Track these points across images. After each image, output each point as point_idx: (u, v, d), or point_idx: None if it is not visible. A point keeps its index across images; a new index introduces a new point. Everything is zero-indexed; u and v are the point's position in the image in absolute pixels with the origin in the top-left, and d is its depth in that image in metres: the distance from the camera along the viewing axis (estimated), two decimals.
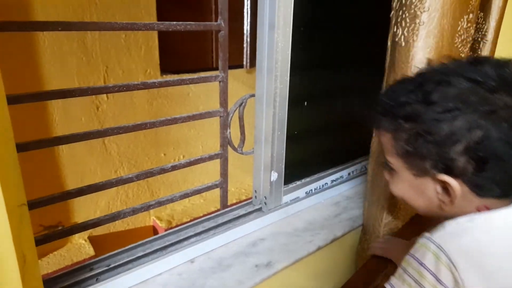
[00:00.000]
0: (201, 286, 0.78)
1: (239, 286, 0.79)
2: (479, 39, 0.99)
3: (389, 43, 0.85)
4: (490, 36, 1.00)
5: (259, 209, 1.01)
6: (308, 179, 1.10)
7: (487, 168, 0.49)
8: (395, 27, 0.82)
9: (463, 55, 0.87)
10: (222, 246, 0.90)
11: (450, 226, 0.53)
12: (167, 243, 0.85)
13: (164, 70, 1.96)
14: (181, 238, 0.87)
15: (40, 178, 1.60)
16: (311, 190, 1.10)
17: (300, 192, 1.08)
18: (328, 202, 1.11)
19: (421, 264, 0.52)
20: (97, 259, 0.79)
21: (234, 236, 0.93)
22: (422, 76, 0.54)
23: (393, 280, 0.56)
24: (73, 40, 1.66)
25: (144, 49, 1.87)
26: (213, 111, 0.93)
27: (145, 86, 0.79)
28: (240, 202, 1.05)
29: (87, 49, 1.71)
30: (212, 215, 0.96)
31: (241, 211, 0.99)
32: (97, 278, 0.76)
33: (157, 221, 2.12)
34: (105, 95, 1.80)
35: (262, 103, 0.92)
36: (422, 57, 0.79)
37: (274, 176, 0.97)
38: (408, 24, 0.79)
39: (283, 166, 0.99)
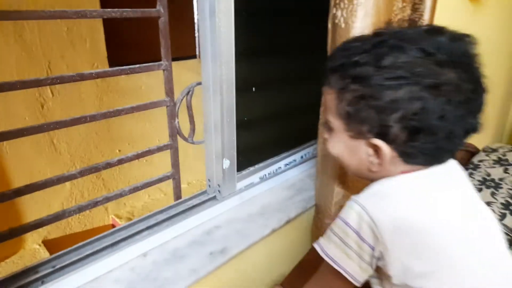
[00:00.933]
0: (155, 279, 0.77)
1: (193, 275, 0.78)
2: (416, 19, 1.02)
3: (329, 25, 0.86)
4: (427, 16, 1.03)
5: (213, 198, 1.00)
6: (261, 165, 1.10)
7: (418, 139, 0.51)
8: (335, 8, 0.83)
9: None
10: (177, 237, 0.89)
11: (374, 188, 0.56)
12: (118, 239, 0.83)
13: (113, 63, 1.89)
14: (133, 232, 0.85)
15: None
16: (265, 175, 1.11)
17: (254, 178, 1.08)
18: (282, 185, 1.13)
19: (346, 223, 0.54)
20: (41, 261, 0.76)
21: (189, 226, 0.92)
22: (378, 36, 0.53)
23: (321, 240, 0.59)
24: (9, 35, 1.56)
25: (89, 42, 1.79)
26: (158, 101, 0.90)
27: (81, 77, 0.76)
28: None
29: (26, 44, 1.61)
30: (165, 207, 0.95)
31: (195, 201, 0.98)
32: (42, 280, 0.73)
33: (116, 219, 2.06)
34: (50, 91, 1.71)
35: (208, 90, 0.90)
36: None
37: (226, 163, 0.97)
38: (346, 6, 0.81)
39: (235, 153, 0.98)
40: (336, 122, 0.57)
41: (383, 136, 0.52)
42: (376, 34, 0.55)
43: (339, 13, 0.82)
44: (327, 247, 0.57)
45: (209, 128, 0.94)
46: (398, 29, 0.55)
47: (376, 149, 0.54)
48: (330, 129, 0.59)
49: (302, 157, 1.23)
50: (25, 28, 1.60)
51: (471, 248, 0.54)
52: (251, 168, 1.07)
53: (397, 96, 0.49)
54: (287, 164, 1.18)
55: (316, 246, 0.59)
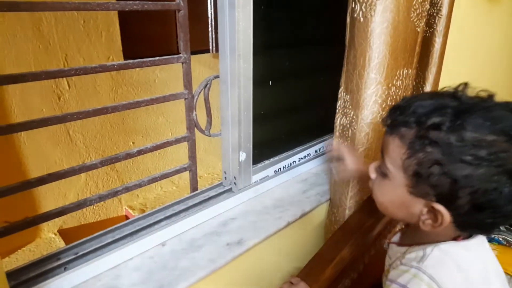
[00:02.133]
0: (173, 268, 0.79)
1: (211, 265, 0.80)
2: (434, 14, 1.02)
3: (348, 20, 0.86)
4: (444, 10, 1.03)
5: (229, 190, 1.01)
6: (276, 158, 1.11)
7: (482, 214, 0.52)
8: (353, 3, 0.83)
9: (419, 30, 0.89)
10: (193, 228, 0.91)
11: (435, 255, 0.56)
12: (137, 228, 0.85)
13: (127, 56, 1.91)
14: (152, 222, 0.87)
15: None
16: (280, 168, 1.12)
17: (269, 171, 1.09)
18: (296, 179, 1.14)
19: None
20: (64, 248, 0.78)
21: (205, 217, 0.93)
22: (458, 100, 0.52)
23: None
24: (27, 28, 1.59)
25: (105, 35, 1.81)
26: (177, 94, 0.91)
27: (103, 68, 0.77)
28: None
29: (43, 37, 1.64)
30: (182, 198, 0.96)
31: (212, 193, 1.00)
32: (65, 267, 0.75)
33: (130, 210, 2.09)
34: (66, 83, 1.73)
35: (226, 84, 0.91)
36: (380, 32, 0.81)
37: (242, 156, 0.98)
38: (366, 0, 0.81)
39: (251, 146, 0.99)
40: (396, 174, 0.55)
41: (447, 203, 0.52)
42: (456, 96, 0.53)
43: (357, 7, 0.82)
44: None
45: (226, 121, 0.95)
46: (481, 100, 0.53)
47: (435, 213, 0.54)
48: (383, 174, 0.58)
49: (316, 151, 1.23)
50: (43, 20, 1.62)
51: None
52: (267, 162, 1.08)
53: (475, 173, 0.48)
54: (302, 159, 1.19)
55: None
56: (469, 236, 0.57)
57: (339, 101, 0.93)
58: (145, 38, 2.06)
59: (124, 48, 1.89)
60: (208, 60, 2.19)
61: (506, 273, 1.09)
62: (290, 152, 1.16)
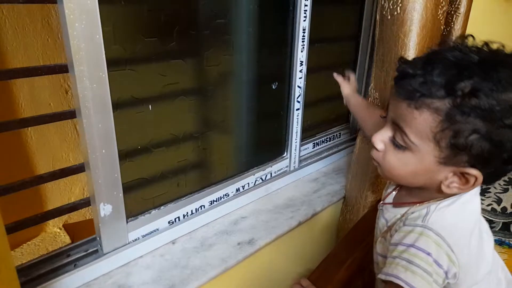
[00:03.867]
0: (185, 266, 0.78)
1: (223, 264, 0.78)
2: (452, 12, 1.00)
3: (378, 17, 0.86)
4: (462, 9, 1.01)
5: (95, 252, 0.78)
6: (171, 205, 0.85)
7: (509, 165, 0.51)
8: (383, 0, 0.82)
9: (442, 27, 0.88)
10: (204, 226, 0.90)
11: (439, 212, 0.55)
12: (74, 258, 0.75)
13: None
14: (90, 250, 0.77)
15: (6, 167, 1.54)
16: (178, 217, 0.87)
17: (160, 223, 0.84)
18: (306, 178, 1.12)
19: (428, 254, 0.52)
20: (73, 244, 0.77)
21: (216, 215, 0.92)
22: (480, 57, 0.49)
23: (401, 274, 0.52)
24: (37, 21, 1.57)
25: None
26: None
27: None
28: None
29: (52, 30, 1.62)
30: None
31: (79, 252, 0.77)
32: (75, 264, 0.74)
33: None
34: None
35: (79, 113, 0.65)
36: (407, 29, 0.80)
37: (106, 209, 0.73)
38: None
39: (121, 195, 0.73)
40: (424, 146, 0.51)
41: (482, 166, 0.50)
42: (471, 51, 0.50)
43: (386, 4, 0.82)
44: (412, 281, 0.51)
45: (86, 163, 0.70)
46: (497, 53, 0.51)
47: (466, 177, 0.52)
48: (402, 146, 0.54)
49: (238, 189, 0.98)
50: (52, 13, 1.61)
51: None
52: (154, 211, 0.82)
53: None
54: (215, 201, 0.94)
55: (399, 281, 0.52)
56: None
57: (369, 99, 0.93)
58: None
59: None
60: None
61: None
62: (196, 195, 0.89)
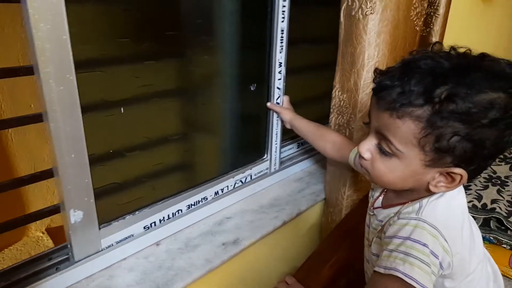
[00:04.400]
0: (169, 267, 0.77)
1: (207, 265, 0.78)
2: (432, 13, 1.02)
3: (342, 18, 0.85)
4: (441, 10, 1.03)
5: (67, 260, 0.75)
6: (147, 210, 0.83)
7: (490, 160, 0.54)
8: (350, 0, 0.82)
9: (417, 29, 0.89)
10: (189, 227, 0.89)
11: (432, 205, 0.58)
12: (45, 265, 0.72)
13: None
14: (62, 258, 0.74)
15: None
16: (154, 222, 0.85)
17: (135, 228, 0.81)
18: (291, 178, 1.13)
19: (425, 245, 0.53)
20: (55, 247, 0.75)
21: (195, 219, 0.91)
22: (452, 63, 0.52)
23: (400, 266, 0.53)
24: (16, 21, 1.54)
25: None
26: None
27: None
28: None
29: None
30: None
31: (52, 260, 0.76)
32: (57, 267, 0.73)
33: None
34: None
35: (46, 117, 0.62)
36: (379, 31, 0.81)
37: (76, 216, 0.70)
38: None
39: (92, 200, 0.71)
40: (409, 152, 0.54)
41: (466, 165, 0.53)
42: (442, 57, 0.52)
43: (356, 4, 0.82)
44: (411, 272, 0.52)
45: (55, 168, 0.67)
46: (466, 57, 0.54)
47: (452, 176, 0.54)
48: (388, 154, 0.56)
49: (216, 192, 0.96)
50: None
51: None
52: (128, 217, 0.79)
53: (493, 132, 0.50)
54: (193, 205, 0.91)
55: (398, 274, 0.53)
56: None
57: (334, 100, 0.92)
58: None
59: None
60: None
61: None
62: (173, 199, 0.86)
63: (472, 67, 0.51)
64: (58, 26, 0.58)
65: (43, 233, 1.83)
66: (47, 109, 0.61)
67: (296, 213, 0.98)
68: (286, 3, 0.92)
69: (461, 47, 0.55)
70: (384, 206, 0.67)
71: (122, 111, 0.74)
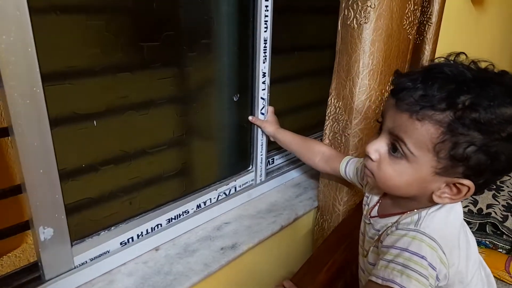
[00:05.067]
0: (168, 272, 0.78)
1: (206, 269, 0.79)
2: (424, 21, 1.04)
3: (339, 26, 0.87)
4: (434, 19, 1.06)
5: (38, 278, 0.73)
6: (122, 225, 0.81)
7: (498, 176, 0.55)
8: (346, 10, 0.85)
9: (410, 37, 0.91)
10: (187, 232, 0.90)
11: (431, 216, 0.58)
12: (14, 285, 0.71)
13: None
14: (33, 276, 0.72)
15: None
16: (131, 238, 0.83)
17: (111, 244, 0.79)
18: (289, 183, 1.14)
19: (423, 257, 0.53)
20: (24, 266, 0.74)
21: (199, 221, 0.93)
22: (474, 74, 0.52)
23: (397, 278, 0.53)
24: None
25: None
26: None
27: None
28: None
29: None
30: None
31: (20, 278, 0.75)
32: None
33: None
34: None
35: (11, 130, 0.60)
36: (374, 39, 0.82)
37: (46, 233, 0.68)
38: (360, 7, 0.82)
39: (64, 217, 0.69)
40: (423, 156, 0.53)
41: (476, 177, 0.53)
42: (466, 68, 0.53)
43: (351, 14, 0.84)
44: (408, 285, 0.52)
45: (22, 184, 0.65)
46: (486, 71, 0.55)
47: (458, 187, 0.54)
48: (399, 156, 0.56)
49: (198, 205, 0.94)
50: None
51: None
52: (103, 233, 0.77)
53: (506, 149, 0.50)
54: (173, 219, 0.89)
55: (395, 285, 0.53)
56: None
57: (329, 108, 0.94)
58: None
59: None
60: None
61: (493, 275, 1.11)
62: (152, 213, 0.84)
63: (494, 81, 0.51)
64: (23, 37, 0.56)
65: None
66: (12, 124, 0.58)
67: (294, 218, 0.99)
68: (269, 13, 0.90)
69: (483, 61, 0.55)
70: (381, 215, 0.66)
71: (95, 124, 0.72)
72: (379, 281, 0.54)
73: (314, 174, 1.20)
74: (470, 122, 0.49)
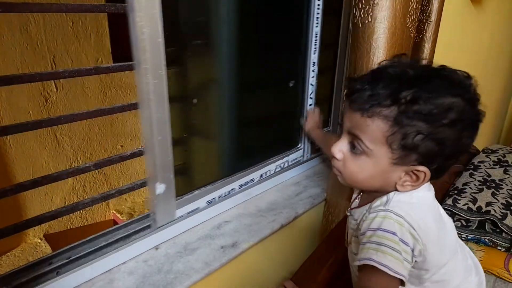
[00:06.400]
0: (168, 271, 0.78)
1: (206, 268, 0.79)
2: (424, 20, 1.04)
3: (350, 25, 0.89)
4: (433, 17, 1.06)
5: (148, 227, 0.87)
6: (210, 187, 0.96)
7: (451, 160, 0.60)
8: (354, 8, 0.85)
9: (412, 35, 0.91)
10: (187, 231, 0.90)
11: (398, 197, 0.62)
12: (130, 232, 0.84)
13: (117, 58, 1.89)
14: (144, 225, 0.86)
15: None
16: (215, 198, 0.98)
17: (200, 202, 0.94)
18: (289, 182, 1.14)
19: (393, 233, 0.58)
20: (56, 252, 0.76)
21: (198, 220, 0.93)
22: (415, 71, 0.58)
23: (373, 256, 0.57)
24: (14, 28, 1.56)
25: (94, 36, 1.79)
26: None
27: (97, 71, 0.76)
28: None
29: (31, 38, 1.61)
30: (105, 231, 0.86)
31: (135, 226, 0.87)
32: (57, 271, 0.74)
33: (118, 215, 2.07)
34: (54, 85, 1.71)
35: (142, 104, 0.75)
36: (377, 37, 0.83)
37: (160, 188, 0.82)
38: (364, 6, 0.83)
39: (172, 176, 0.83)
40: (378, 150, 0.58)
41: (429, 163, 0.58)
42: (409, 66, 0.59)
43: (357, 13, 0.85)
44: (383, 260, 0.57)
45: (145, 147, 0.80)
46: (426, 67, 0.61)
47: (417, 174, 0.59)
48: (359, 153, 0.60)
49: (261, 175, 1.10)
50: (31, 21, 1.59)
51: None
52: (196, 192, 0.92)
53: (452, 132, 0.56)
54: (243, 185, 1.04)
55: (371, 263, 0.57)
56: None
57: (344, 104, 0.95)
58: None
59: (114, 50, 1.87)
60: None
61: (492, 273, 1.12)
62: (228, 179, 0.99)
63: (433, 76, 0.57)
64: (156, 30, 0.70)
65: (41, 239, 1.83)
66: (143, 98, 0.73)
67: (294, 216, 0.99)
68: (320, 11, 1.07)
69: (424, 59, 0.61)
70: (359, 205, 0.71)
71: (196, 102, 0.91)
72: (357, 263, 0.59)
73: (313, 172, 1.20)
74: (413, 114, 0.54)
